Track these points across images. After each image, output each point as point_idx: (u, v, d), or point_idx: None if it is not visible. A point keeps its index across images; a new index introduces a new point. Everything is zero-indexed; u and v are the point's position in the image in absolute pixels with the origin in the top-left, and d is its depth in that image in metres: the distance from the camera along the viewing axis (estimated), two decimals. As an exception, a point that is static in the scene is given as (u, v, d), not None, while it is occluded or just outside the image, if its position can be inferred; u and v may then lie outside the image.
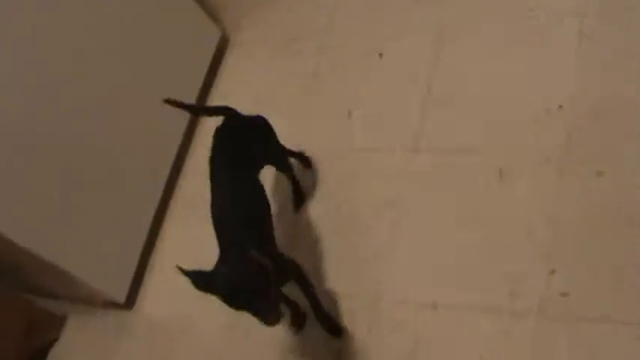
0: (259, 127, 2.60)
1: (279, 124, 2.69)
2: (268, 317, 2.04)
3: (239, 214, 2.30)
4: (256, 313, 2.04)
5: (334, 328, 2.48)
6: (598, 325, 2.16)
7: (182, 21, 3.33)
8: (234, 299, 2.03)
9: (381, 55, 3.04)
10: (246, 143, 2.49)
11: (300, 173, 2.87)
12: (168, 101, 2.49)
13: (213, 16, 3.54)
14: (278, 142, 2.66)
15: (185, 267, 2.04)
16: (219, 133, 2.49)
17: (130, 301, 3.06)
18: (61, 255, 2.78)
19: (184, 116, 3.26)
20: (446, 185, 2.63)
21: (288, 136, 2.76)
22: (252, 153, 2.50)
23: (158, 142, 3.22)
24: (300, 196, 2.84)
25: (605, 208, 2.31)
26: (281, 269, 2.22)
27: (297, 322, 2.54)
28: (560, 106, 2.56)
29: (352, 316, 2.52)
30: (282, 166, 2.76)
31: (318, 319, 2.47)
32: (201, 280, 2.04)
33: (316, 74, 3.18)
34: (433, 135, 2.75)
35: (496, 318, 2.30)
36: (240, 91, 3.38)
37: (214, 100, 3.42)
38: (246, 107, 2.63)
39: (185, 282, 2.04)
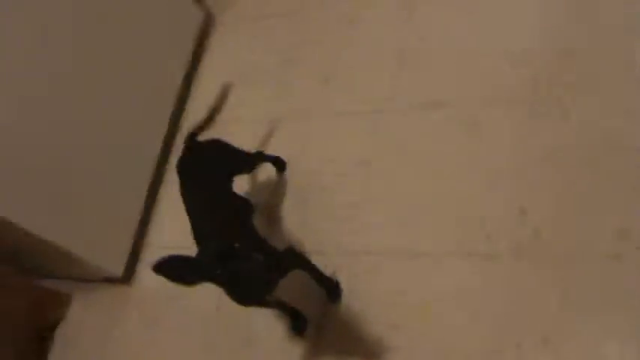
0: (217, 148, 2.66)
1: (264, 95, 2.75)
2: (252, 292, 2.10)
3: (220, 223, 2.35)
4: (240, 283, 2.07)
5: (336, 295, 2.55)
6: (570, 261, 2.23)
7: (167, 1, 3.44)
8: (224, 265, 2.03)
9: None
10: (209, 166, 2.55)
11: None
12: None
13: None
14: (239, 152, 2.73)
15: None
16: (181, 164, 2.57)
17: (128, 276, 3.15)
18: (58, 233, 2.86)
19: (174, 92, 3.38)
20: (417, 140, 2.71)
21: (271, 107, 2.85)
22: (218, 171, 2.55)
23: (150, 119, 3.30)
24: (281, 165, 2.96)
25: (571, 147, 2.39)
26: (278, 262, 2.26)
27: (298, 327, 2.59)
28: (525, 50, 2.62)
29: (337, 270, 2.60)
30: (252, 169, 2.88)
31: (322, 286, 2.54)
32: (186, 265, 2.04)
33: (293, 46, 3.29)
34: (404, 93, 2.83)
35: (472, 262, 2.38)
36: (225, 68, 3.49)
37: (202, 75, 3.52)
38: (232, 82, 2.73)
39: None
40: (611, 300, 2.12)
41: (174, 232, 3.14)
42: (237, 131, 2.83)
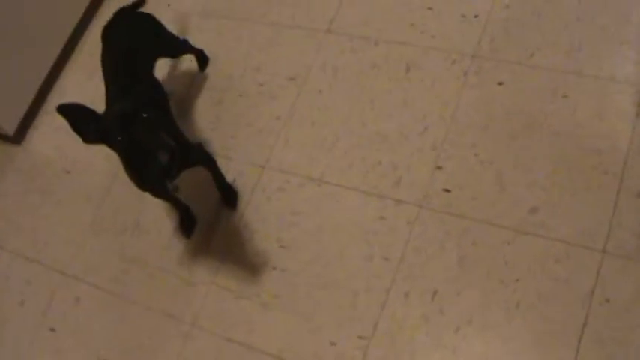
0: (144, 22, 2.55)
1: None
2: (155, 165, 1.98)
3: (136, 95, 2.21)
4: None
5: (232, 202, 2.50)
6: (471, 225, 2.24)
7: None
8: (124, 126, 1.93)
9: None
10: (135, 38, 2.45)
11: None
12: None
13: None
14: (168, 33, 2.64)
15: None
16: (108, 30, 2.45)
17: (19, 138, 3.00)
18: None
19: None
20: (352, 69, 2.66)
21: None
22: (143, 47, 2.45)
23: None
24: (203, 60, 2.87)
25: (498, 117, 2.39)
26: (185, 152, 2.20)
27: (187, 226, 2.53)
28: (476, 16, 2.60)
29: (238, 178, 2.56)
30: (176, 55, 2.79)
31: (220, 191, 2.50)
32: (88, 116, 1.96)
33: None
34: (349, 21, 2.77)
35: (377, 203, 2.36)
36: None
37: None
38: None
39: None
40: (498, 273, 2.14)
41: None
42: (168, 18, 2.69)
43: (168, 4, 3.05)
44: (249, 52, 2.84)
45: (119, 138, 1.93)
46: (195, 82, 2.84)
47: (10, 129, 2.94)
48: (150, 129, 1.95)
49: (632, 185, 2.15)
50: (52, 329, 2.53)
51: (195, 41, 2.83)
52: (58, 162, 2.88)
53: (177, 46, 2.73)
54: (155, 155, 1.94)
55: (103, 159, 2.74)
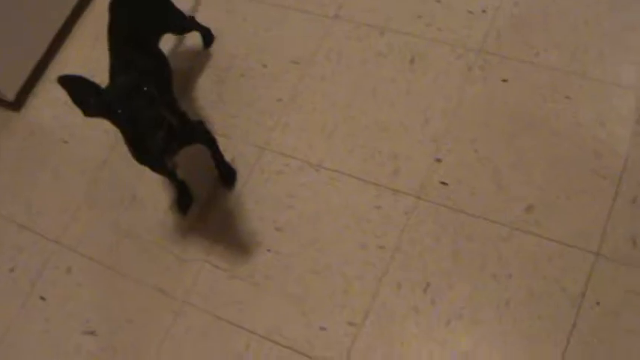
0: None
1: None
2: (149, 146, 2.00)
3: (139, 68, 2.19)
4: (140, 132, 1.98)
5: (230, 182, 2.50)
6: (467, 219, 2.25)
7: None
8: (123, 104, 1.92)
9: None
10: (142, 12, 2.43)
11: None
12: None
13: None
14: (175, 9, 2.62)
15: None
16: (114, 3, 2.43)
17: (18, 104, 2.99)
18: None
19: None
20: (356, 57, 2.65)
21: None
22: (150, 21, 2.44)
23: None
24: (208, 38, 2.86)
25: (500, 113, 2.39)
26: (185, 129, 2.22)
27: (183, 203, 2.53)
28: (484, 11, 2.61)
29: (237, 158, 2.56)
30: (182, 32, 2.76)
31: (218, 169, 2.50)
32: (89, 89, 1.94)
33: None
34: (357, 7, 2.77)
35: (374, 191, 2.37)
36: None
37: None
38: None
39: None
40: (491, 268, 2.16)
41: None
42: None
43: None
44: (255, 32, 2.83)
45: (119, 111, 1.92)
46: (198, 60, 2.83)
47: (11, 94, 2.92)
48: (151, 104, 1.94)
49: (629, 191, 2.16)
50: (42, 298, 2.53)
51: (202, 17, 2.82)
52: (56, 131, 2.86)
53: (183, 23, 2.71)
54: (155, 130, 1.94)
55: (102, 131, 2.73)
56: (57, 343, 2.43)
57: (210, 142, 2.40)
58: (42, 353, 2.43)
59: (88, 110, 1.95)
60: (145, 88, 1.94)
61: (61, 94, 1.94)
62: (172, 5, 2.60)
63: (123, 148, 2.15)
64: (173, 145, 2.13)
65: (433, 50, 2.58)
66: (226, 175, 2.50)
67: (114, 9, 2.41)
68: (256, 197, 2.46)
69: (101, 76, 2.09)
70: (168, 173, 2.39)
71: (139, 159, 2.18)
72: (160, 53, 2.44)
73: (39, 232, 2.66)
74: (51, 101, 2.96)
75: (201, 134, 2.36)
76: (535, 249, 2.15)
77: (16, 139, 2.92)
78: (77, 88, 1.92)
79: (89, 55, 3.01)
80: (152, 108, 1.94)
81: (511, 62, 2.48)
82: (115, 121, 1.98)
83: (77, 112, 1.97)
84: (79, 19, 3.15)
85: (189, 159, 2.39)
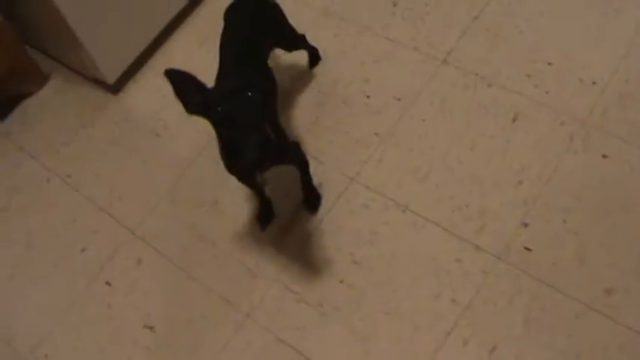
0: (270, 9, 2.55)
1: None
2: (248, 150, 1.94)
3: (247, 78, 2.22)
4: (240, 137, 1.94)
5: (314, 206, 2.51)
6: (545, 289, 2.22)
7: None
8: (226, 108, 1.92)
9: None
10: (257, 23, 2.44)
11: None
12: None
13: None
14: (289, 25, 2.64)
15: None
16: (231, 11, 2.45)
17: (117, 87, 3.03)
18: (76, 15, 2.72)
19: None
20: (460, 105, 2.64)
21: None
22: (264, 33, 2.45)
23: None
24: (315, 58, 2.87)
25: (595, 188, 2.36)
26: (281, 147, 2.21)
27: (264, 219, 2.53)
28: (594, 83, 2.58)
29: (325, 184, 2.56)
30: (292, 48, 2.75)
31: (304, 192, 2.50)
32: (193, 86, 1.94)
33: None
34: (467, 55, 2.76)
35: (456, 244, 2.35)
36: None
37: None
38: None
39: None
40: (561, 344, 2.13)
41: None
42: (290, 10, 2.66)
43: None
44: (362, 62, 2.83)
45: (219, 109, 1.91)
46: (301, 79, 2.84)
47: (111, 78, 2.96)
48: (252, 109, 1.92)
49: None
50: (108, 283, 2.55)
51: (311, 38, 2.82)
52: (149, 122, 2.90)
53: (295, 40, 2.73)
54: (252, 137, 1.91)
55: (194, 131, 2.76)
56: (115, 330, 2.45)
57: (303, 165, 2.40)
58: (99, 337, 2.45)
59: (191, 107, 1.95)
60: (250, 94, 1.93)
61: (162, 86, 1.96)
62: (286, 21, 2.61)
63: (212, 152, 2.17)
64: (266, 160, 2.12)
65: (537, 112, 2.55)
66: (311, 199, 2.50)
67: (228, 17, 2.44)
68: (337, 227, 2.45)
69: (203, 75, 2.06)
70: (255, 186, 2.40)
71: (230, 166, 2.18)
72: (267, 66, 2.45)
73: (117, 218, 2.68)
74: (149, 90, 3.00)
75: (296, 156, 2.36)
76: (608, 334, 2.11)
77: (111, 122, 2.96)
78: (183, 83, 1.92)
79: (193, 54, 3.04)
80: (253, 114, 1.92)
81: (614, 140, 2.44)
82: (214, 121, 1.97)
83: (173, 106, 1.98)
84: (187, 17, 3.18)
85: (277, 175, 2.39)
